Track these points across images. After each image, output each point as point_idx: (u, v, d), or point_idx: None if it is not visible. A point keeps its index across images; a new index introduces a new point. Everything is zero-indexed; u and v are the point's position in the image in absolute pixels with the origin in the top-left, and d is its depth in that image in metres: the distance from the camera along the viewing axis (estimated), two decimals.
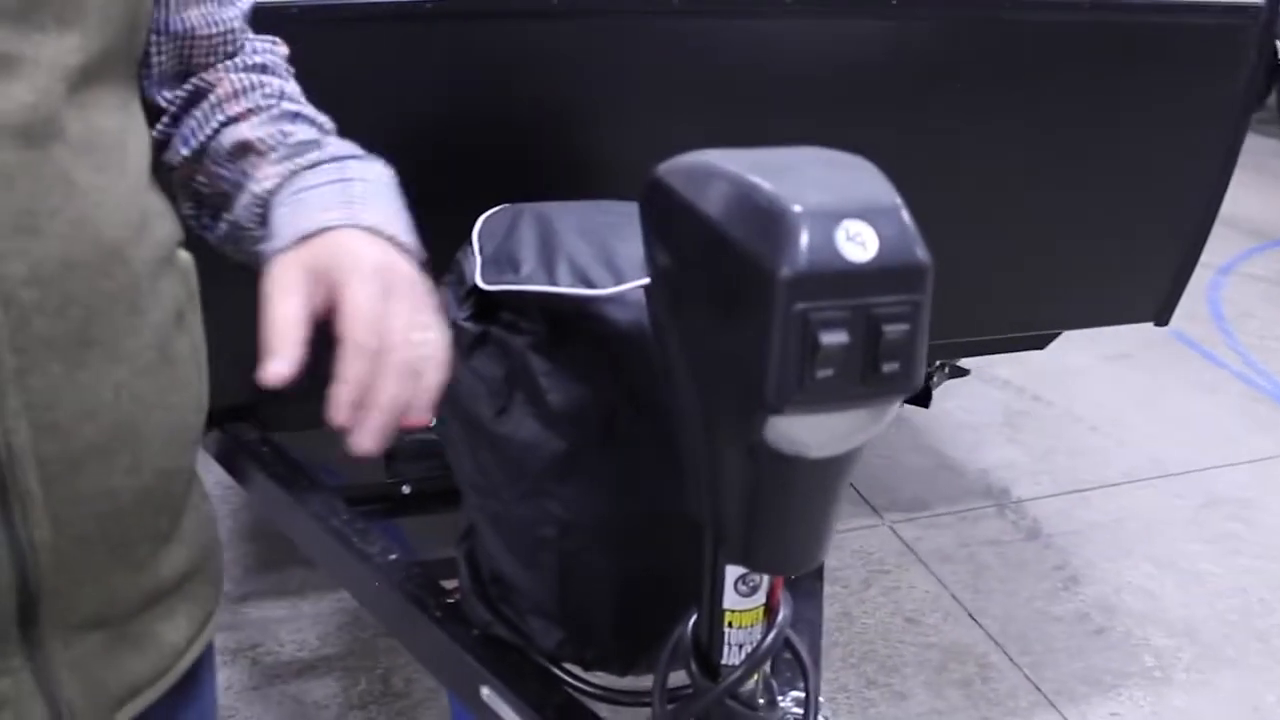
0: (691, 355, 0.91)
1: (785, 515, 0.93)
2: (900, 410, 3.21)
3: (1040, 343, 2.62)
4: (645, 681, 1.36)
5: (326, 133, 0.97)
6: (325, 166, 0.90)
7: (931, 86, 1.90)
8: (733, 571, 1.05)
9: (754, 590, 1.07)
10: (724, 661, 1.10)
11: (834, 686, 2.47)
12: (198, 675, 0.94)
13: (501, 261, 1.29)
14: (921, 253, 0.81)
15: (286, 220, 0.85)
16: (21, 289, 0.67)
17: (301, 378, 0.74)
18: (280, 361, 0.76)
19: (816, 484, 0.91)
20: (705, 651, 1.12)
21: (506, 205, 1.40)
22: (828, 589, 2.77)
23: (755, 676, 1.13)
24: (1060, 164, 2.10)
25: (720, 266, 0.84)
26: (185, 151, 0.95)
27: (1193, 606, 2.84)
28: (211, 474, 3.25)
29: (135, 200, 0.79)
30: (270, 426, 2.03)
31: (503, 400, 1.29)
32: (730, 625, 1.09)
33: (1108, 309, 2.42)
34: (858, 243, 0.79)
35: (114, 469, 0.76)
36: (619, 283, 1.19)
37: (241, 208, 0.91)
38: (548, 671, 1.38)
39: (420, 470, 1.92)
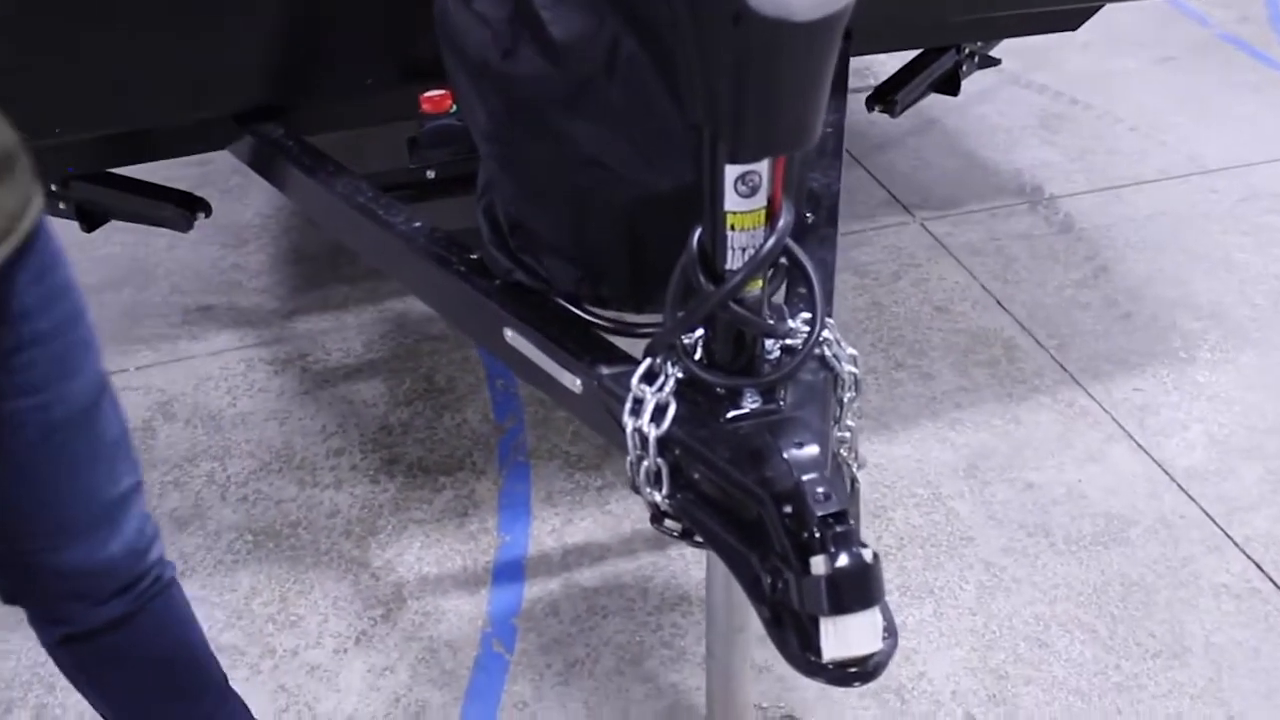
0: None
1: (774, 88, 0.94)
2: (929, 108, 3.17)
3: (1073, 20, 2.55)
4: (658, 317, 1.41)
5: None
6: None
7: None
8: (732, 171, 1.08)
9: (754, 190, 1.10)
10: (728, 266, 1.14)
11: (862, 368, 2.53)
12: (40, 243, 1.11)
13: None
14: None
15: None
16: None
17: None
18: None
19: (802, 52, 0.92)
20: (709, 258, 1.16)
21: None
22: (857, 281, 2.83)
23: (760, 283, 1.18)
24: None
25: None
26: None
27: (1222, 293, 2.86)
28: (250, 207, 3.33)
29: None
30: (298, 129, 2.06)
31: (508, 42, 1.29)
32: (733, 229, 1.12)
33: None
34: None
35: None
36: None
37: None
38: (566, 310, 1.44)
39: (442, 155, 1.94)
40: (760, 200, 1.11)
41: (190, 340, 2.80)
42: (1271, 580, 2.09)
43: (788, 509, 1.10)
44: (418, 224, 1.66)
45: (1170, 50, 4.13)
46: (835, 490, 1.10)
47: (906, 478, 2.30)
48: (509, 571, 2.10)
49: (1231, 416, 2.47)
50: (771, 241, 1.12)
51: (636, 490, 1.26)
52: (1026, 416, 2.45)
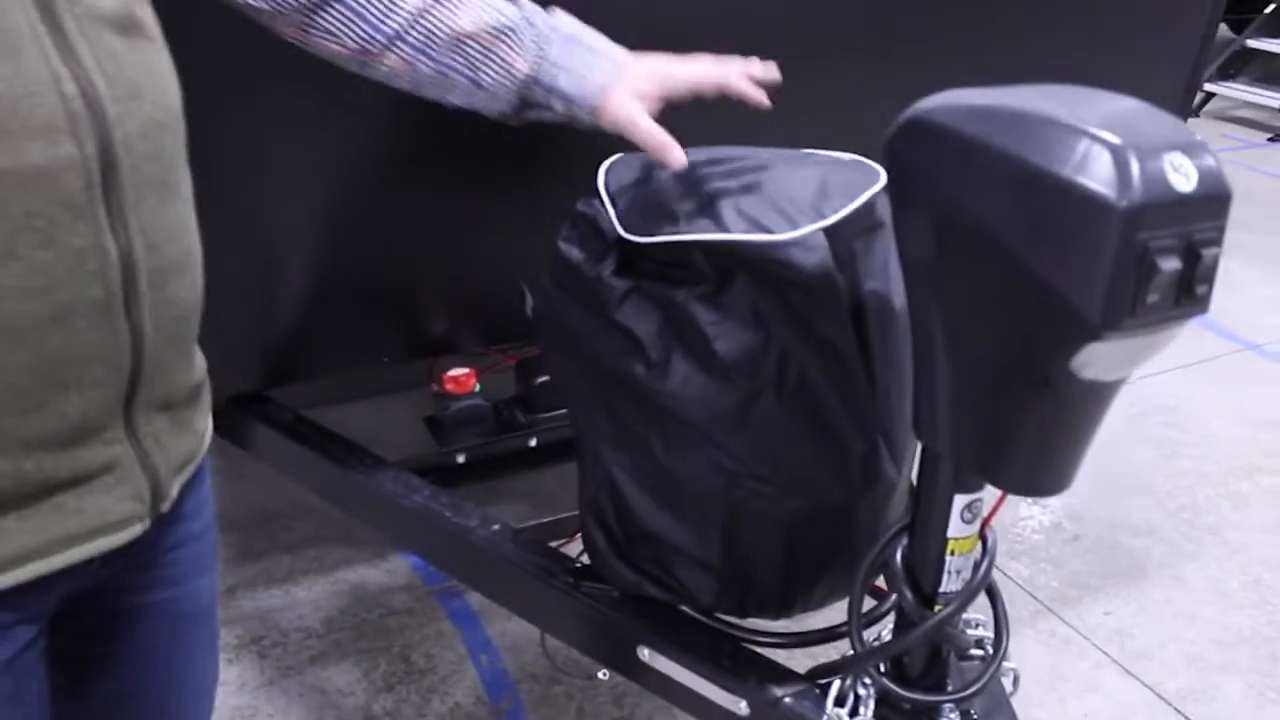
0: (970, 294, 0.92)
1: (1059, 437, 0.95)
2: None
3: None
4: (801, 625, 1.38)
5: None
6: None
7: None
8: (961, 500, 1.08)
9: (976, 517, 1.10)
10: (943, 589, 1.13)
11: None
12: (205, 463, 1.18)
13: (648, 211, 1.27)
14: (1227, 181, 0.85)
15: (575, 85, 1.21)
16: (137, 142, 0.88)
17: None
18: (675, 153, 1.20)
19: (1096, 405, 0.94)
20: (918, 578, 1.14)
21: (628, 153, 1.37)
22: None
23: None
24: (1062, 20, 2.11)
25: (1024, 201, 0.85)
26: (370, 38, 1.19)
27: (1148, 509, 3.01)
28: None
29: (173, 72, 0.96)
30: (300, 405, 1.97)
31: (658, 353, 1.27)
32: (951, 553, 1.11)
33: None
34: (1182, 173, 0.82)
35: (184, 282, 0.98)
36: (793, 227, 1.19)
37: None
38: (706, 623, 1.39)
39: (471, 437, 1.88)
40: (977, 525, 1.12)
41: None
42: None
43: None
44: (496, 526, 1.58)
45: None
46: None
47: None
48: None
49: (1198, 632, 2.57)
50: (986, 565, 1.13)
51: None
52: (1016, 650, 2.48)
